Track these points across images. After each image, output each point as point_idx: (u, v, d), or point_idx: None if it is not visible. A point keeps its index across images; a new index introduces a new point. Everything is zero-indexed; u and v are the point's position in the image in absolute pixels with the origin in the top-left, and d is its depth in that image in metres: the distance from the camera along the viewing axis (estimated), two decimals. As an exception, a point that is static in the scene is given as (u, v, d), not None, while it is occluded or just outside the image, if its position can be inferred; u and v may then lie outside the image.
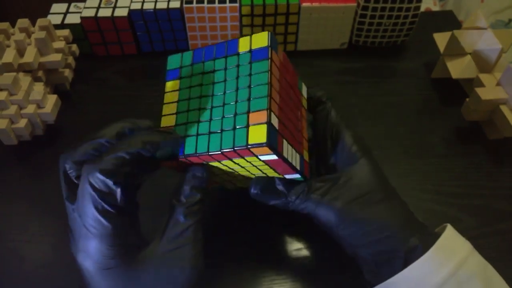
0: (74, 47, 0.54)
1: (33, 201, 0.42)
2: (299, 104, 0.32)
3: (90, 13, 0.54)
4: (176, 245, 0.27)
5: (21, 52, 0.46)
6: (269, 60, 0.28)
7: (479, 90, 0.44)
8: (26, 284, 0.37)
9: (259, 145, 0.25)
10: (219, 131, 0.28)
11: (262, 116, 0.26)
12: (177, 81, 0.32)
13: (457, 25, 0.64)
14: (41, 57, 0.48)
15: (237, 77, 0.29)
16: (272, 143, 0.26)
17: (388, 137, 0.48)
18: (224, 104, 0.28)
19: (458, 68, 0.50)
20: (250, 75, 0.28)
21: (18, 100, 0.43)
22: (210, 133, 0.28)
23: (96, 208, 0.25)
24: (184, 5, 0.53)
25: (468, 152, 0.47)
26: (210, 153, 0.27)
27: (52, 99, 0.45)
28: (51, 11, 0.56)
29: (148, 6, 0.54)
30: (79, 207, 0.26)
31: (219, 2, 0.53)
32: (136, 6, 0.54)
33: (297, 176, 0.30)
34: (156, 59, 0.58)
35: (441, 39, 0.53)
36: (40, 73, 0.48)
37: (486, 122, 0.48)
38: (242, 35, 0.29)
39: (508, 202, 0.42)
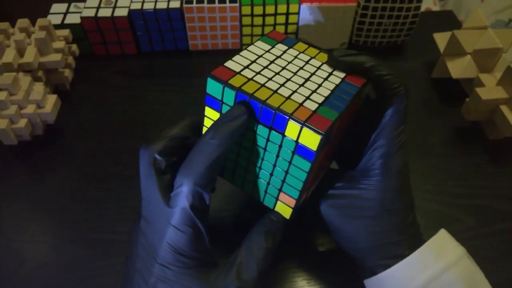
0: (74, 47, 0.54)
1: (33, 201, 0.42)
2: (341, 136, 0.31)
3: (90, 13, 0.54)
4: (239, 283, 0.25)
5: (21, 52, 0.46)
6: (312, 163, 0.26)
7: (479, 90, 0.44)
8: (26, 284, 0.37)
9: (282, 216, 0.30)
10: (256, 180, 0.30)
11: (291, 201, 0.29)
12: (217, 114, 0.28)
13: (457, 25, 0.64)
14: (41, 57, 0.48)
15: (277, 156, 0.27)
16: (292, 219, 0.30)
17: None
18: (260, 168, 0.29)
19: (458, 68, 0.50)
20: (290, 163, 0.26)
21: (18, 100, 0.43)
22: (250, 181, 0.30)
23: (191, 208, 0.25)
24: (184, 5, 0.53)
25: (468, 152, 0.47)
26: None
27: (52, 99, 0.45)
28: (51, 11, 0.56)
29: (148, 6, 0.54)
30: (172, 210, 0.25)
31: (219, 2, 0.53)
32: (136, 6, 0.54)
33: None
34: (156, 59, 0.58)
35: (441, 39, 0.53)
36: (40, 73, 0.48)
37: (486, 122, 0.48)
38: (280, 107, 0.25)
39: (508, 202, 0.42)
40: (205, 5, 0.53)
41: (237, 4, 0.53)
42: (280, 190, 0.29)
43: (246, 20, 0.54)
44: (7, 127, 0.42)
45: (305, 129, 0.24)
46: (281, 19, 0.54)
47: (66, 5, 0.57)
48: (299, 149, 0.25)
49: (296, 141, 0.25)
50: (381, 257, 0.29)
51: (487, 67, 0.48)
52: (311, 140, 0.24)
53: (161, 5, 0.54)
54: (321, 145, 0.24)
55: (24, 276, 0.37)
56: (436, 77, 0.55)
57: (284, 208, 0.29)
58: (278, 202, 0.29)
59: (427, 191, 0.43)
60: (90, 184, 0.44)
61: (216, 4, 0.53)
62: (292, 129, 0.25)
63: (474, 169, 0.45)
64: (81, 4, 0.56)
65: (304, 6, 0.53)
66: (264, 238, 0.27)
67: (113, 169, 0.45)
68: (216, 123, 0.25)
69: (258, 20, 0.54)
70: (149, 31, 0.56)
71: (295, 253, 0.38)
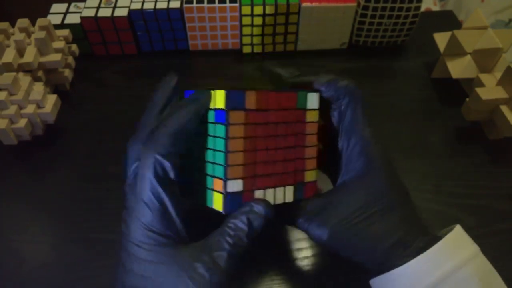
0: (74, 47, 0.54)
1: (33, 201, 0.42)
2: (298, 129, 0.30)
3: (90, 13, 0.54)
4: (208, 265, 0.25)
5: (21, 52, 0.46)
6: (227, 126, 0.26)
7: (479, 90, 0.44)
8: (26, 284, 0.36)
9: (220, 211, 0.27)
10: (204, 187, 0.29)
11: (219, 185, 0.27)
12: None
13: (457, 25, 0.64)
14: (41, 57, 0.48)
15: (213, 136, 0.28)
16: (230, 211, 0.27)
17: (388, 137, 0.48)
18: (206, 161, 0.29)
19: (458, 68, 0.50)
20: (214, 137, 0.27)
21: (18, 100, 0.43)
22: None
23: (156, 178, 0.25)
24: (184, 5, 0.53)
25: (468, 152, 0.47)
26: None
27: (52, 99, 0.45)
28: (51, 11, 0.56)
29: (148, 6, 0.54)
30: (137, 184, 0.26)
31: (219, 2, 0.53)
32: (136, 6, 0.54)
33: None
34: (156, 59, 0.58)
35: (441, 39, 0.53)
36: (40, 73, 0.48)
37: (486, 122, 0.48)
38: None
39: (508, 202, 0.42)
40: (205, 5, 0.53)
41: (237, 4, 0.53)
42: (212, 176, 0.27)
43: (246, 20, 0.54)
44: (7, 127, 0.42)
45: (216, 91, 0.27)
46: (281, 19, 0.54)
47: (66, 5, 0.57)
48: (216, 116, 0.27)
49: (213, 109, 0.27)
50: (390, 256, 0.28)
51: (487, 67, 0.48)
52: (219, 99, 0.26)
53: (161, 5, 0.54)
54: (229, 103, 0.26)
55: (24, 276, 0.37)
56: (436, 77, 0.55)
57: (217, 198, 0.27)
58: (213, 193, 0.27)
59: (427, 191, 0.43)
60: (90, 184, 0.44)
61: (216, 4, 0.53)
62: (212, 97, 0.27)
63: (474, 169, 0.45)
64: (81, 4, 0.56)
65: (304, 6, 0.53)
66: (240, 222, 0.26)
67: (113, 169, 0.45)
68: (179, 103, 0.28)
69: (258, 20, 0.54)
70: (149, 31, 0.56)
71: (296, 253, 0.38)
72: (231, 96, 0.26)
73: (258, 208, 0.27)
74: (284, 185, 0.29)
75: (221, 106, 0.26)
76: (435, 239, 0.28)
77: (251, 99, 0.27)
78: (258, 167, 0.28)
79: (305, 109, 0.30)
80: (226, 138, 0.26)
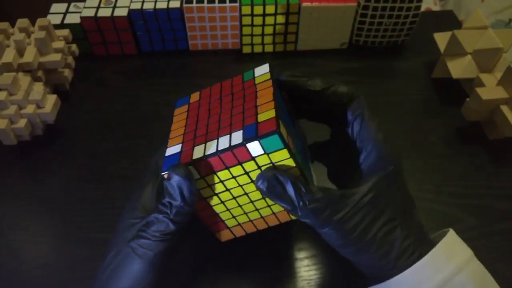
0: (74, 47, 0.54)
1: (33, 201, 0.42)
2: (247, 92, 0.29)
3: (90, 13, 0.54)
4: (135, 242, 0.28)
5: (20, 52, 0.46)
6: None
7: (479, 90, 0.44)
8: (26, 284, 0.36)
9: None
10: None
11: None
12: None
13: (458, 25, 0.64)
14: (41, 57, 0.48)
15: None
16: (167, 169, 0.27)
17: (388, 137, 0.48)
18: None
19: (458, 68, 0.50)
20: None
21: (17, 100, 0.43)
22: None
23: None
24: (184, 5, 0.53)
25: (468, 152, 0.47)
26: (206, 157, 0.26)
27: (52, 99, 0.45)
28: (51, 11, 0.56)
29: (148, 5, 0.54)
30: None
31: (219, 2, 0.53)
32: (136, 6, 0.54)
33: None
34: (156, 59, 0.58)
35: (441, 39, 0.53)
36: (39, 73, 0.48)
37: (486, 122, 0.48)
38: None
39: (508, 202, 0.42)
40: (205, 5, 0.53)
41: (237, 4, 0.53)
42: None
43: (246, 20, 0.54)
44: (6, 127, 0.42)
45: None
46: (281, 19, 0.54)
47: (65, 5, 0.57)
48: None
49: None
50: (395, 265, 0.27)
51: (488, 67, 0.48)
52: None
53: (161, 5, 0.54)
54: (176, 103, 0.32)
55: (24, 276, 0.37)
56: (436, 77, 0.55)
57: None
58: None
59: (427, 191, 0.43)
60: (90, 184, 0.44)
61: (216, 4, 0.53)
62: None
63: (474, 169, 0.45)
64: (80, 4, 0.56)
65: (304, 6, 0.53)
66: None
67: (113, 169, 0.45)
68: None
69: (258, 20, 0.54)
70: (149, 31, 0.56)
71: (296, 259, 0.38)
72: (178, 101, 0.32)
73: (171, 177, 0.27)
74: (228, 133, 0.27)
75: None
76: (430, 244, 0.28)
77: (194, 97, 0.32)
78: (199, 129, 0.29)
79: (253, 78, 0.30)
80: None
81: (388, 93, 0.53)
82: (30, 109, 0.44)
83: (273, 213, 0.30)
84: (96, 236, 0.39)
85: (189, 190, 0.26)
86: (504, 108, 0.44)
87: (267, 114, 0.26)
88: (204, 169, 0.27)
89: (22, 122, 0.43)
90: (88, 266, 0.37)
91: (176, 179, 0.26)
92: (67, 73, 0.52)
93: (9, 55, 0.45)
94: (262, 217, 0.31)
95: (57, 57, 0.48)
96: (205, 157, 0.26)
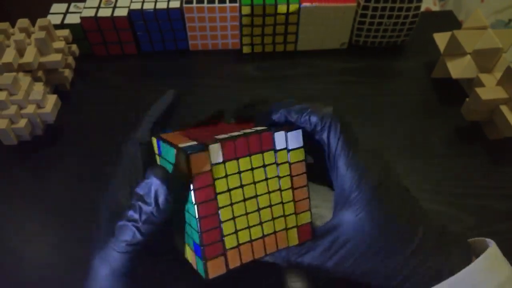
0: (74, 47, 0.54)
1: (33, 201, 0.42)
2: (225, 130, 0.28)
3: (90, 13, 0.54)
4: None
5: (21, 52, 0.46)
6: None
7: (479, 90, 0.44)
8: (26, 284, 0.36)
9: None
10: None
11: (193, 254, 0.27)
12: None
13: (457, 25, 0.64)
14: (41, 57, 0.48)
15: None
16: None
17: (388, 137, 0.48)
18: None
19: (458, 68, 0.50)
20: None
21: (18, 100, 0.43)
22: None
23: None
24: (184, 5, 0.53)
25: (468, 152, 0.47)
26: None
27: (52, 99, 0.45)
28: (51, 11, 0.56)
29: (148, 6, 0.54)
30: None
31: (219, 2, 0.53)
32: (136, 6, 0.54)
33: None
34: (156, 59, 0.58)
35: (441, 39, 0.53)
36: (40, 73, 0.48)
37: (486, 122, 0.48)
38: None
39: (508, 202, 0.42)
40: (205, 5, 0.53)
41: (237, 4, 0.53)
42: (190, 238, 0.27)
43: (246, 20, 0.54)
44: (7, 127, 0.42)
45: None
46: (281, 19, 0.54)
47: (66, 5, 0.57)
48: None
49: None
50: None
51: (487, 67, 0.48)
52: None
53: (161, 5, 0.54)
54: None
55: (24, 276, 0.37)
56: (436, 77, 0.55)
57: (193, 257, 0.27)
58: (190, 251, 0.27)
59: (427, 191, 0.43)
60: (90, 184, 0.44)
61: (216, 4, 0.53)
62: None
63: (474, 169, 0.45)
64: (81, 4, 0.56)
65: (304, 6, 0.53)
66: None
67: (113, 169, 0.45)
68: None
69: (258, 20, 0.54)
70: (149, 31, 0.56)
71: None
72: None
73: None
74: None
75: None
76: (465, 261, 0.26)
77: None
78: (212, 133, 0.27)
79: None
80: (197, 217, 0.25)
81: (388, 93, 0.53)
82: (30, 109, 0.44)
83: (274, 232, 0.28)
84: (96, 236, 0.39)
85: (165, 196, 0.23)
86: (504, 108, 0.44)
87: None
88: (228, 151, 0.26)
89: (22, 122, 0.43)
90: (88, 266, 0.37)
91: (153, 181, 0.23)
92: (67, 73, 0.52)
93: (9, 55, 0.45)
94: (263, 236, 0.28)
95: (57, 57, 0.48)
96: (232, 137, 0.25)
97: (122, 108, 0.51)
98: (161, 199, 0.23)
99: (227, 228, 0.26)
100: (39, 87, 0.45)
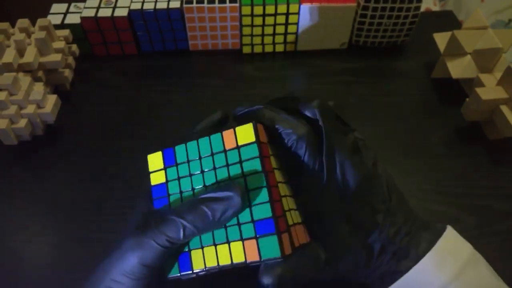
0: (74, 47, 0.54)
1: (33, 201, 0.42)
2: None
3: (90, 13, 0.54)
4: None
5: (21, 52, 0.46)
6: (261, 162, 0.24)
7: (479, 90, 0.44)
8: (26, 284, 0.37)
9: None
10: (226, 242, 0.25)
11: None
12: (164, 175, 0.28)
13: (457, 25, 0.64)
14: (41, 57, 0.48)
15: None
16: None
17: (388, 137, 0.48)
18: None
19: (458, 68, 0.50)
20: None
21: (18, 100, 0.43)
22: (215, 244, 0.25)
23: None
24: (184, 5, 0.53)
25: (468, 152, 0.47)
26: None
27: (52, 99, 0.45)
28: (51, 11, 0.56)
29: (148, 6, 0.54)
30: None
31: (219, 2, 0.53)
32: (136, 6, 0.54)
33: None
34: (156, 59, 0.58)
35: (441, 39, 0.53)
36: (40, 73, 0.48)
37: (486, 122, 0.48)
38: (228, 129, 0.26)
39: (508, 202, 0.42)
40: (205, 5, 0.53)
41: (237, 4, 0.53)
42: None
43: (246, 20, 0.54)
44: (7, 127, 0.42)
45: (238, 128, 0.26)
46: (281, 19, 0.54)
47: (66, 5, 0.57)
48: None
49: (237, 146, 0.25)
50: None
51: (487, 67, 0.48)
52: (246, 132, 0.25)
53: (161, 5, 0.54)
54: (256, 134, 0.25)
55: (24, 276, 0.37)
56: (436, 77, 0.55)
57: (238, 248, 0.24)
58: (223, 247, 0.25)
59: (427, 191, 0.43)
60: (90, 184, 0.44)
61: (216, 4, 0.53)
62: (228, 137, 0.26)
63: (474, 169, 0.45)
64: (81, 4, 0.56)
65: (304, 6, 0.53)
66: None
67: (113, 169, 0.45)
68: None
69: (258, 20, 0.54)
70: (149, 31, 0.56)
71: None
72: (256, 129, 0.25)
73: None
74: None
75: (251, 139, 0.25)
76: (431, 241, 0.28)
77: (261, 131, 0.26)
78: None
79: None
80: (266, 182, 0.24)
81: (388, 93, 0.53)
82: (30, 109, 0.44)
83: (300, 222, 0.26)
84: (96, 236, 0.39)
85: (233, 213, 0.24)
86: (504, 108, 0.44)
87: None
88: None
89: (22, 122, 0.43)
90: (88, 266, 0.37)
91: (234, 196, 0.23)
92: (68, 73, 0.52)
93: (9, 55, 0.45)
94: (297, 223, 0.26)
95: (57, 57, 0.48)
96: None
97: (122, 108, 0.51)
98: (228, 214, 0.24)
99: (285, 204, 0.25)
100: (39, 87, 0.45)
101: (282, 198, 0.25)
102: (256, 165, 0.24)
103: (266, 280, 0.24)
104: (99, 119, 0.50)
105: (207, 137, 0.26)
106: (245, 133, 0.25)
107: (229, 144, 0.26)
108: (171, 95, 0.53)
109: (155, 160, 0.28)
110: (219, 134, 0.26)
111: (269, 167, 0.25)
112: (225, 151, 0.26)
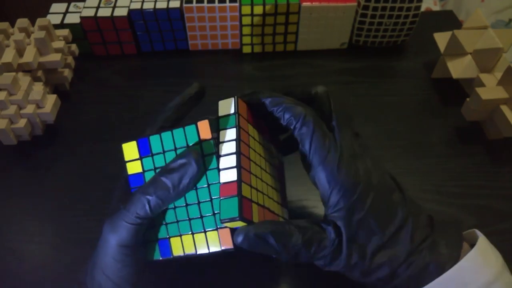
0: (74, 47, 0.54)
1: (33, 201, 0.42)
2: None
3: (90, 12, 0.54)
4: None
5: (20, 52, 0.46)
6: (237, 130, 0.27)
7: (479, 90, 0.44)
8: (26, 284, 0.36)
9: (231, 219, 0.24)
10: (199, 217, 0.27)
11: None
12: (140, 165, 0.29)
13: (458, 25, 0.64)
14: (41, 57, 0.48)
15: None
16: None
17: (388, 137, 0.48)
18: (199, 202, 0.27)
19: (458, 68, 0.50)
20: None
21: (17, 100, 0.43)
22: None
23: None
24: (184, 5, 0.53)
25: (468, 152, 0.47)
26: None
27: (52, 99, 0.45)
28: (51, 10, 0.56)
29: (148, 5, 0.54)
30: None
31: (219, 2, 0.53)
32: (136, 5, 0.54)
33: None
34: (156, 59, 0.58)
35: (441, 39, 0.53)
36: (39, 73, 0.48)
37: (486, 122, 0.48)
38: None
39: (508, 202, 0.42)
40: (205, 5, 0.53)
41: (237, 4, 0.53)
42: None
43: (246, 20, 0.54)
44: (6, 127, 0.42)
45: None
46: (281, 19, 0.54)
47: (65, 5, 0.57)
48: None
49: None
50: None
51: (488, 67, 0.48)
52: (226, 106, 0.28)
53: (161, 5, 0.54)
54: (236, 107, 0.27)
55: (23, 276, 0.37)
56: (436, 77, 0.55)
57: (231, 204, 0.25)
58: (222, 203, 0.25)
59: (427, 191, 0.43)
60: (89, 184, 0.44)
61: (216, 4, 0.53)
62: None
63: (474, 169, 0.45)
64: (80, 4, 0.56)
65: (304, 6, 0.53)
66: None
67: (112, 169, 0.45)
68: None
69: (258, 20, 0.54)
70: (149, 31, 0.56)
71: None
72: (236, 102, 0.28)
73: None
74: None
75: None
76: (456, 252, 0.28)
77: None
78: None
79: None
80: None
81: (388, 93, 0.53)
82: (30, 109, 0.44)
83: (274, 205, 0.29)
84: (96, 236, 0.39)
85: (191, 179, 0.26)
86: (504, 108, 0.44)
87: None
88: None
89: (22, 122, 0.43)
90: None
91: (190, 161, 0.25)
92: (67, 73, 0.52)
93: (9, 55, 0.45)
94: (266, 207, 0.27)
95: (57, 57, 0.48)
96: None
97: (122, 108, 0.51)
98: (185, 181, 0.25)
99: (256, 182, 0.27)
100: (38, 87, 0.45)
101: (252, 175, 0.26)
102: (232, 134, 0.26)
103: (236, 238, 0.25)
104: (99, 119, 0.50)
105: (181, 128, 0.27)
106: (227, 106, 0.27)
107: (204, 134, 0.27)
108: (171, 95, 0.53)
109: (130, 149, 0.29)
110: (193, 125, 0.27)
111: (245, 137, 0.27)
112: (200, 142, 0.27)
